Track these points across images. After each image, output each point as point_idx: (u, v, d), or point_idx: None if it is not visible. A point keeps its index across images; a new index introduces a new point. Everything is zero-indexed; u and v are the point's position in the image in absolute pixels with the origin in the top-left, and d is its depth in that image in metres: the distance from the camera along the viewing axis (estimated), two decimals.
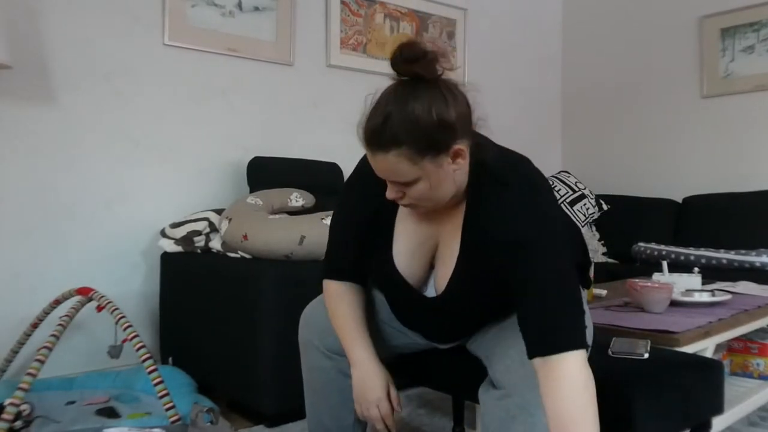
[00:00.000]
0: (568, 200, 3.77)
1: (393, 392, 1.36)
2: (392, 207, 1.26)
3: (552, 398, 1.04)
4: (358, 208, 1.33)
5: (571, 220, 1.45)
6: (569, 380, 1.04)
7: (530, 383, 1.14)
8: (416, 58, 1.08)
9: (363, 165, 1.31)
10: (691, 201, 3.60)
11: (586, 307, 1.35)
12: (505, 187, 1.16)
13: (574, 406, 1.03)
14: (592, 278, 2.15)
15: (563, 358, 1.05)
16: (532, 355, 1.09)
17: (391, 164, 1.09)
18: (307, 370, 1.48)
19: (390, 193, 1.15)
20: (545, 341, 1.07)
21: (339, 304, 1.37)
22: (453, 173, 1.13)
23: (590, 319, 1.33)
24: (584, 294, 1.41)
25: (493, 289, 1.21)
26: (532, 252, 1.11)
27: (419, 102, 1.06)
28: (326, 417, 1.47)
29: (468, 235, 1.21)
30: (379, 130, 1.07)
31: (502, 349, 1.24)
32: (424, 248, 1.28)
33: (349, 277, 1.38)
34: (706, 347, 1.74)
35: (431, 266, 1.31)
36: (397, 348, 1.50)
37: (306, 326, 1.47)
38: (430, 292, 1.32)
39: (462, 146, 1.11)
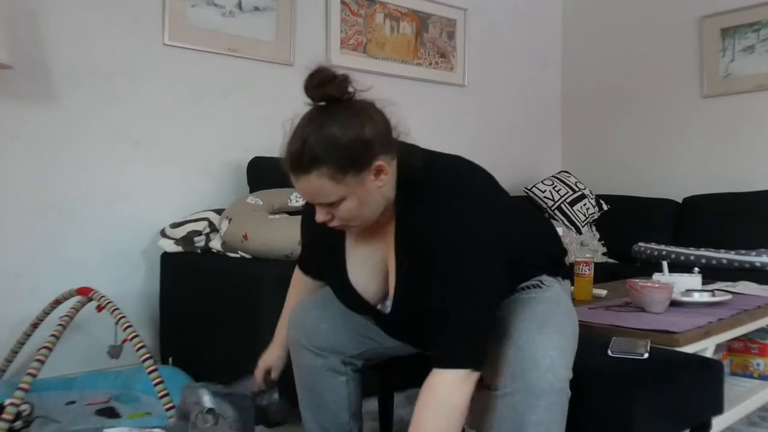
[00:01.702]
0: (568, 200, 3.77)
1: (273, 373, 1.58)
2: (339, 237, 1.31)
3: (418, 403, 1.10)
4: (308, 234, 1.44)
5: (539, 215, 1.47)
6: (435, 395, 1.09)
7: (518, 382, 1.14)
8: (327, 81, 1.11)
9: None
10: (691, 201, 3.60)
11: (569, 303, 1.34)
12: (425, 198, 1.17)
13: (427, 418, 1.08)
14: (590, 276, 2.15)
15: (441, 373, 1.09)
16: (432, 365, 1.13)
17: (314, 186, 1.11)
18: (298, 368, 1.51)
19: (319, 216, 1.17)
20: (436, 354, 1.12)
21: (292, 291, 1.59)
22: (378, 189, 1.15)
23: (575, 318, 1.30)
24: (565, 285, 1.39)
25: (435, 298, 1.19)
26: (444, 264, 1.13)
27: (335, 122, 1.10)
28: (321, 414, 1.49)
29: (400, 248, 1.23)
30: (299, 154, 1.10)
31: (493, 347, 1.24)
32: (374, 263, 1.30)
33: (309, 274, 1.55)
34: (706, 347, 1.74)
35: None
36: (391, 349, 1.50)
37: (293, 326, 1.50)
38: (389, 306, 1.32)
39: (383, 162, 1.13)
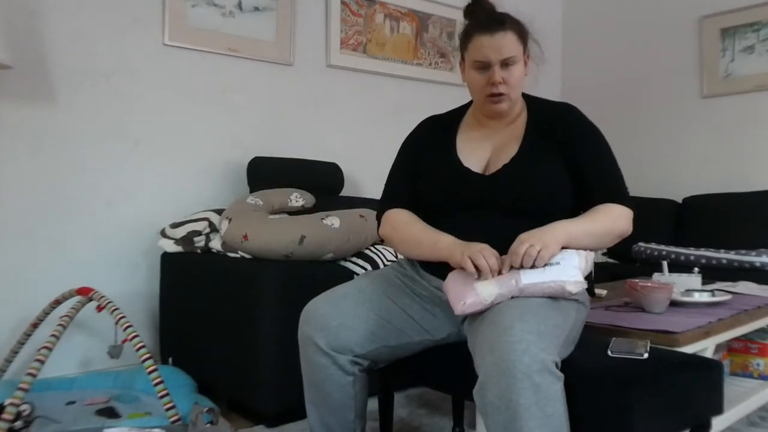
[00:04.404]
0: None
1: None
2: (452, 131, 1.61)
3: (595, 209, 1.50)
4: (415, 141, 1.65)
5: None
6: (611, 207, 1.52)
7: (498, 368, 1.15)
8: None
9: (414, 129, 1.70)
10: (691, 201, 3.60)
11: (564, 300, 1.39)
12: (551, 102, 1.58)
13: (604, 215, 1.50)
14: (592, 277, 2.15)
15: (615, 205, 1.53)
16: (596, 203, 1.52)
17: (507, 38, 1.44)
18: (306, 366, 1.50)
19: (496, 76, 1.44)
20: (605, 196, 1.51)
21: (410, 223, 1.54)
22: (524, 77, 1.50)
23: (566, 311, 1.38)
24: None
25: (544, 170, 1.47)
26: (595, 138, 1.52)
27: (505, 12, 1.50)
28: (327, 413, 1.49)
29: (532, 133, 1.51)
30: (501, 16, 1.47)
31: (481, 338, 1.25)
32: (483, 149, 1.55)
33: (406, 206, 1.58)
34: (706, 347, 1.74)
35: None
36: (396, 349, 1.51)
37: (306, 322, 1.48)
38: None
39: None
